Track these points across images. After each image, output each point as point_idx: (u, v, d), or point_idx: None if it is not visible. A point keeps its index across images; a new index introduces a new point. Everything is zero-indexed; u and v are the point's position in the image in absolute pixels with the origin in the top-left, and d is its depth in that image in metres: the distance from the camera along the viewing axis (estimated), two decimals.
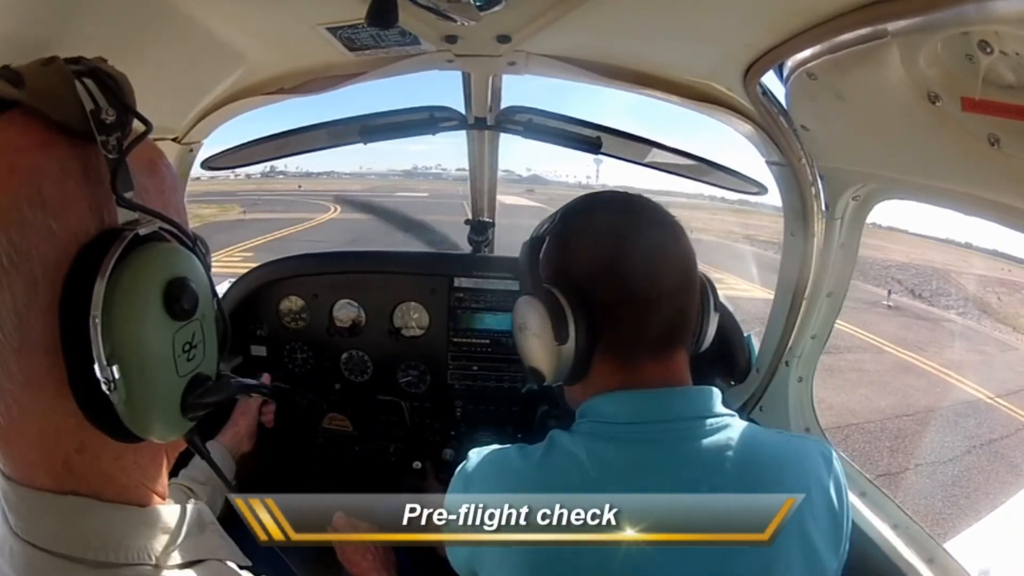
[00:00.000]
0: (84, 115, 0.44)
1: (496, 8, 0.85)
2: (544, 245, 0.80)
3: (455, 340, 1.64)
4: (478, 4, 0.84)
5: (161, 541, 0.49)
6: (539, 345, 0.77)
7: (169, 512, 0.51)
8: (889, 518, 1.17)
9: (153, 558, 0.48)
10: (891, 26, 0.67)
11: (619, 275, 0.74)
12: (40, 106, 0.43)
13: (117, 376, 0.42)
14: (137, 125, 0.47)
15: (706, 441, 0.71)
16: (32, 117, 0.44)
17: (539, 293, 0.76)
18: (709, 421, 0.73)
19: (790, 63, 0.92)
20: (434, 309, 1.63)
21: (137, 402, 0.44)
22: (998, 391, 6.27)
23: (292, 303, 1.65)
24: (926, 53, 0.67)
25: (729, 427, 0.73)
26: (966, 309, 9.86)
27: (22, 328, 0.42)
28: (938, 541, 1.10)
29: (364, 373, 1.67)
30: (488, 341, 1.64)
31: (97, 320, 0.41)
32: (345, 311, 1.64)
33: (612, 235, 0.77)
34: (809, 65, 0.85)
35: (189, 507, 0.54)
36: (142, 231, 0.45)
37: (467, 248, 1.70)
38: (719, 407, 0.75)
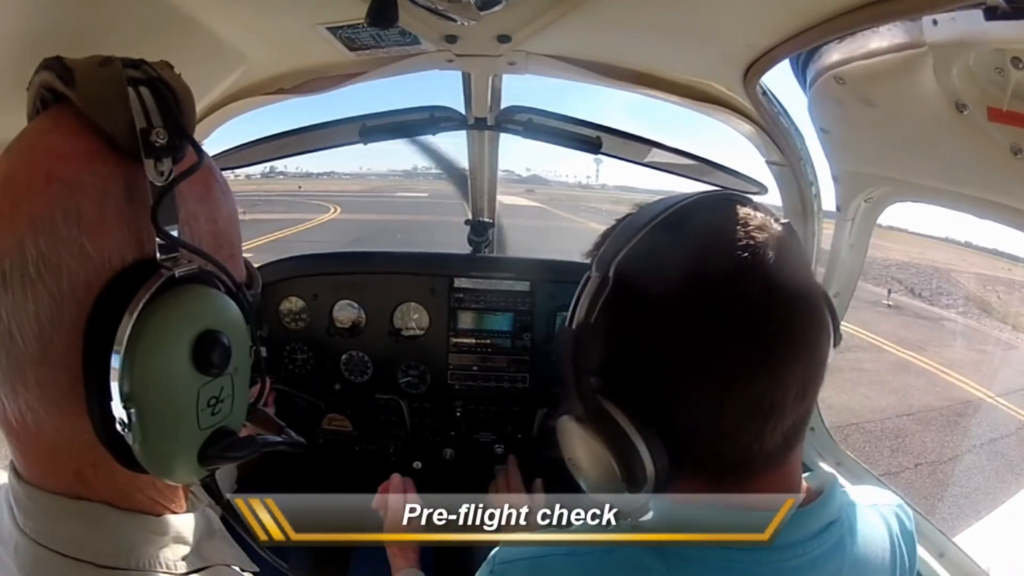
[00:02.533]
0: (134, 131, 0.41)
1: (496, 8, 0.85)
2: (596, 319, 0.50)
3: (455, 340, 1.64)
4: (478, 4, 0.84)
5: (171, 549, 0.48)
6: (601, 489, 0.56)
7: (179, 520, 0.50)
8: None
9: (163, 565, 0.47)
10: (928, 37, 0.69)
11: (727, 377, 0.49)
12: (89, 111, 0.41)
13: (134, 420, 0.40)
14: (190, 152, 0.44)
15: (826, 561, 0.58)
16: (80, 120, 0.41)
17: (590, 414, 0.51)
18: (830, 532, 0.59)
19: (815, 67, 0.93)
20: (434, 309, 1.63)
21: (151, 447, 0.42)
22: (998, 390, 6.27)
23: (292, 304, 1.65)
24: (959, 65, 0.69)
25: (844, 532, 0.60)
26: (966, 308, 9.85)
27: (43, 341, 0.40)
28: (948, 536, 1.11)
29: (364, 374, 1.67)
30: (488, 341, 1.64)
31: (119, 360, 0.40)
32: (345, 312, 1.64)
33: (705, 302, 0.49)
34: (838, 70, 0.87)
35: (198, 514, 0.53)
36: (179, 271, 0.42)
37: (467, 248, 1.70)
38: (834, 510, 0.59)
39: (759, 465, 0.55)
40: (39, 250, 0.39)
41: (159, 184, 0.41)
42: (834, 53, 0.87)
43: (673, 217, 0.54)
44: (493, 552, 0.67)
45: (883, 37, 0.76)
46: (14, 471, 0.47)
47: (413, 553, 1.24)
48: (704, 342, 0.50)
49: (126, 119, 0.41)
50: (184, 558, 0.49)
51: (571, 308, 0.54)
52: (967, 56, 0.67)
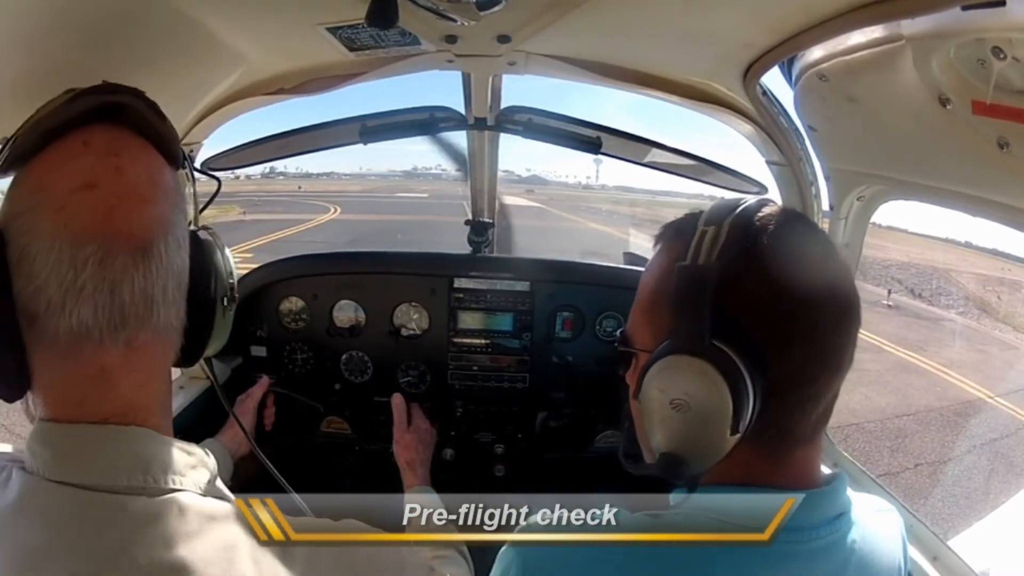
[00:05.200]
0: (178, 150, 0.62)
1: (496, 8, 0.85)
2: (716, 276, 0.55)
3: (455, 340, 1.64)
4: (478, 4, 0.84)
5: (199, 472, 0.57)
6: (702, 433, 0.55)
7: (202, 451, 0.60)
8: None
9: (197, 487, 0.55)
10: (905, 30, 0.67)
11: (817, 339, 0.56)
12: (159, 141, 0.59)
13: (226, 297, 0.65)
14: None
15: (836, 551, 0.61)
16: (142, 139, 0.57)
17: (715, 358, 0.54)
18: (840, 522, 0.62)
19: (800, 64, 0.92)
20: (434, 309, 1.63)
21: (227, 317, 0.66)
22: (998, 390, 6.27)
23: (292, 304, 1.64)
24: (939, 57, 0.67)
25: (852, 526, 0.63)
26: (966, 308, 9.86)
27: (183, 277, 0.59)
28: (942, 539, 1.11)
29: (364, 374, 1.67)
30: (488, 341, 1.64)
31: (220, 266, 0.64)
32: (345, 312, 1.64)
33: (821, 276, 0.57)
34: (821, 67, 0.86)
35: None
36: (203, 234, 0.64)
37: (467, 248, 1.70)
38: (844, 501, 0.63)
39: (801, 437, 0.60)
40: (179, 226, 0.58)
41: (189, 184, 0.67)
42: (816, 50, 0.85)
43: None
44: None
45: (862, 32, 0.75)
46: (48, 419, 0.53)
47: (422, 468, 1.35)
48: (800, 295, 0.56)
49: (173, 142, 0.61)
50: (209, 483, 0.58)
51: (691, 251, 0.58)
52: (947, 48, 0.66)
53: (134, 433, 0.54)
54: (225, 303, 0.66)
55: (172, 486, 0.53)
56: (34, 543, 0.49)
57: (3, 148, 0.53)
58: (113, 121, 0.56)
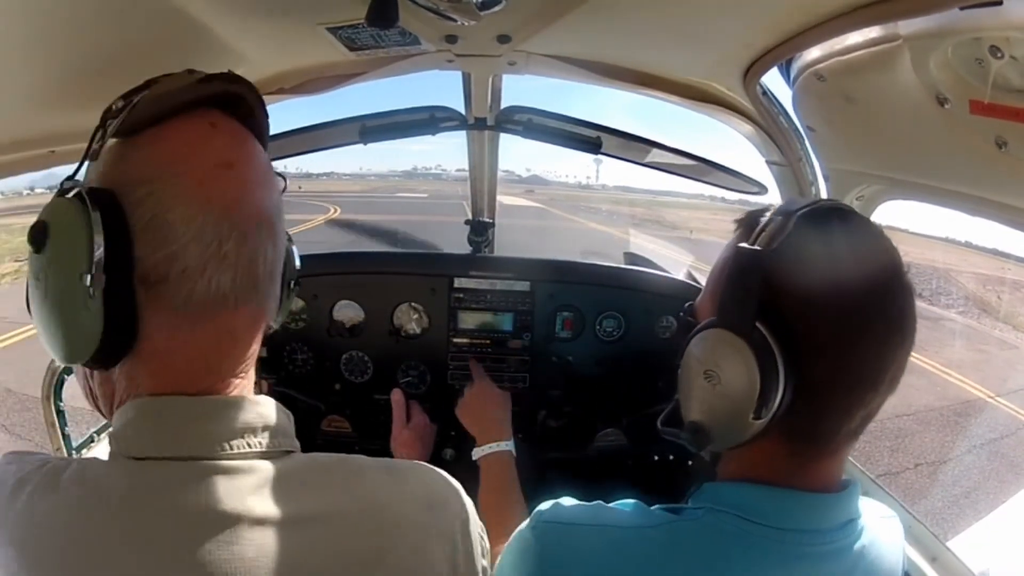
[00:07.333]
0: (266, 139, 0.64)
1: (496, 8, 0.85)
2: (769, 263, 0.56)
3: (455, 340, 1.64)
4: (478, 4, 0.84)
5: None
6: (727, 409, 0.57)
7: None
8: None
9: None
10: (903, 30, 0.67)
11: (857, 352, 0.56)
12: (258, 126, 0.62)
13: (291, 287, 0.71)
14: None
15: (845, 555, 0.62)
16: (244, 125, 0.60)
17: (753, 340, 0.55)
18: (851, 527, 0.63)
19: (798, 64, 0.92)
20: (434, 309, 1.63)
21: (287, 302, 0.72)
22: (998, 390, 6.27)
23: (292, 304, 1.64)
24: (937, 57, 0.67)
25: (861, 532, 0.63)
26: (966, 308, 9.86)
27: (275, 265, 0.60)
28: (942, 540, 1.11)
29: (364, 374, 1.67)
30: (488, 341, 1.64)
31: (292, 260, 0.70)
32: (345, 312, 1.64)
33: (877, 293, 0.56)
34: (818, 67, 0.86)
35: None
36: None
37: (467, 248, 1.70)
38: (856, 507, 0.64)
39: (829, 446, 0.60)
40: (280, 205, 0.60)
41: None
42: (813, 50, 0.85)
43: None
44: (537, 509, 0.68)
45: (860, 31, 0.75)
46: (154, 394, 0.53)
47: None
48: (848, 305, 0.55)
49: (266, 136, 0.64)
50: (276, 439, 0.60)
51: (754, 235, 0.59)
52: (944, 47, 0.66)
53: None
54: (292, 285, 0.70)
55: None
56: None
57: (123, 109, 0.53)
58: (228, 110, 0.58)
